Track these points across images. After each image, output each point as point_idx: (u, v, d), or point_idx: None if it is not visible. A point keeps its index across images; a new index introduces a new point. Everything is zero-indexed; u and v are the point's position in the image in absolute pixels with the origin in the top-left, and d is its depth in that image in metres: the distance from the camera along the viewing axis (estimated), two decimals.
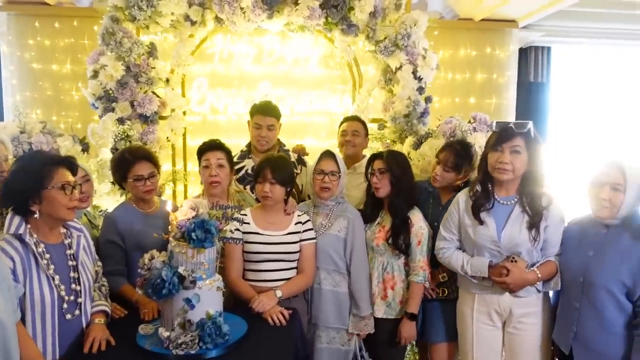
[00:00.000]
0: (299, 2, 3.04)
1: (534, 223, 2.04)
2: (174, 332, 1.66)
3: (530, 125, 2.02)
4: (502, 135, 2.05)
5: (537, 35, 4.88)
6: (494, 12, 4.27)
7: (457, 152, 2.41)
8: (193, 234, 1.67)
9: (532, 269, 2.05)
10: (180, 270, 1.68)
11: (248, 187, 2.73)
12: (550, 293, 2.18)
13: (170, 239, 1.74)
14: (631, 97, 5.80)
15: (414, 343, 2.85)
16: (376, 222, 2.46)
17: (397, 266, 2.40)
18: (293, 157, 2.85)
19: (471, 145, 2.53)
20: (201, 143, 2.47)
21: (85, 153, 2.88)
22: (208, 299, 1.72)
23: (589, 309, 1.91)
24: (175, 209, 1.79)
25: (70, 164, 1.80)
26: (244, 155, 2.88)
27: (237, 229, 2.17)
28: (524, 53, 5.18)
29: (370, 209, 2.50)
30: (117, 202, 2.97)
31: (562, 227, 2.11)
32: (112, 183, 2.95)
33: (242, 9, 3.05)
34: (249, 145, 2.92)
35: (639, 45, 5.26)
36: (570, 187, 2.26)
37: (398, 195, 2.38)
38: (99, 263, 2.04)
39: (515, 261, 2.05)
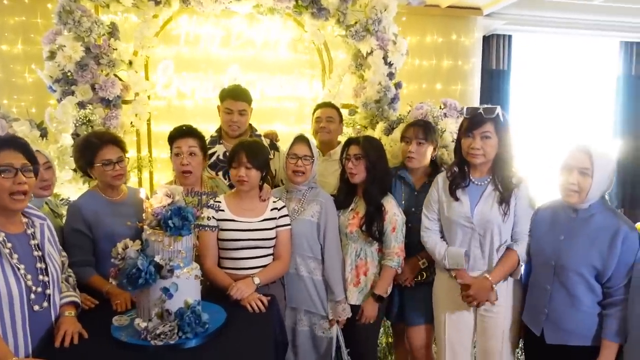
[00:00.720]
0: None
1: (504, 198, 2.12)
2: (152, 322, 1.61)
3: (498, 110, 2.10)
4: (472, 122, 2.12)
5: (499, 24, 5.00)
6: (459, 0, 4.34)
7: (422, 125, 2.50)
8: (170, 222, 1.62)
9: (484, 275, 2.15)
10: (157, 259, 1.63)
11: (220, 173, 2.67)
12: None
13: (145, 227, 1.68)
14: (587, 84, 6.08)
15: (391, 325, 2.90)
16: (350, 209, 2.45)
17: (370, 252, 2.42)
18: (265, 142, 2.81)
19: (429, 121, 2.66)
20: (172, 129, 2.37)
21: (44, 139, 2.72)
22: (186, 287, 1.68)
23: (560, 291, 1.99)
24: (148, 196, 1.72)
25: (17, 145, 1.64)
26: (215, 140, 2.81)
27: (213, 217, 2.13)
28: (487, 41, 5.31)
29: (343, 195, 2.49)
30: (80, 190, 2.84)
31: (531, 205, 2.19)
32: (74, 170, 2.82)
33: None
34: (219, 131, 2.85)
35: (596, 35, 5.50)
36: (531, 171, 2.34)
37: (373, 182, 2.37)
38: (64, 253, 1.94)
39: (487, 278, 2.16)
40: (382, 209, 2.35)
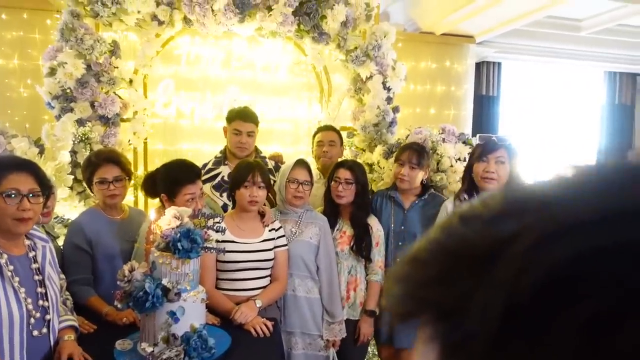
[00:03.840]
0: (272, 7, 3.02)
1: None
2: (158, 347, 1.58)
3: (510, 139, 2.17)
4: (487, 147, 2.20)
5: (490, 51, 5.14)
6: (454, 28, 4.46)
7: (416, 150, 2.57)
8: (179, 244, 1.60)
9: None
10: (164, 282, 1.61)
11: (225, 194, 2.66)
12: None
13: (153, 249, 1.66)
14: (573, 111, 6.26)
15: (377, 351, 2.89)
16: (336, 228, 2.51)
17: (360, 268, 2.50)
18: (270, 164, 2.81)
19: (425, 145, 2.74)
20: (177, 169, 2.17)
21: (42, 156, 2.68)
22: (193, 311, 1.65)
23: None
24: (157, 217, 1.70)
25: (28, 168, 1.62)
26: (219, 161, 2.80)
27: (217, 239, 2.11)
28: (477, 68, 5.45)
29: (329, 215, 2.52)
30: (75, 209, 2.81)
31: None
32: (70, 188, 2.79)
33: (213, 11, 2.97)
34: (224, 151, 2.84)
35: (582, 64, 5.70)
36: None
37: (360, 206, 2.47)
38: (62, 276, 1.91)
39: None
40: (369, 228, 2.46)
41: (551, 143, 6.10)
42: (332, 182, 2.47)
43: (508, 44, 5.07)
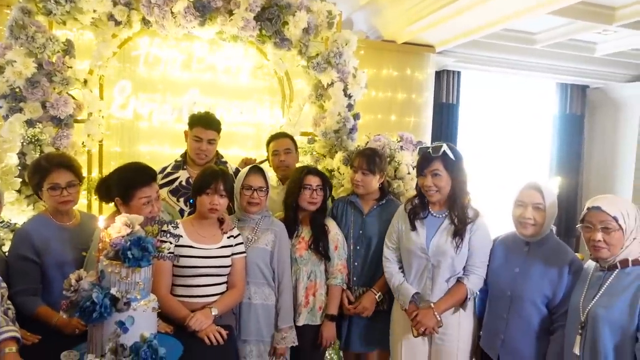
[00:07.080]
0: (233, 12, 3.00)
1: (458, 231, 2.23)
2: (105, 358, 1.54)
3: (444, 147, 2.22)
4: (422, 162, 2.27)
5: (450, 61, 5.29)
6: (415, 37, 4.56)
7: (368, 156, 2.58)
8: (129, 253, 1.56)
9: (435, 313, 2.19)
10: (113, 291, 1.56)
11: (182, 199, 2.61)
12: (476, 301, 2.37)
13: (102, 257, 1.61)
14: (527, 120, 6.51)
15: (342, 354, 2.92)
16: (295, 235, 2.52)
17: (320, 272, 2.52)
18: (231, 169, 2.77)
19: (378, 150, 2.73)
20: (130, 172, 2.11)
21: None
22: (143, 320, 1.61)
23: (515, 318, 2.12)
24: (107, 225, 1.66)
25: None
26: (179, 165, 2.74)
27: (171, 243, 2.07)
28: (438, 76, 5.59)
29: (291, 223, 2.54)
30: (23, 213, 2.69)
31: (487, 238, 2.30)
32: (18, 191, 2.67)
33: (172, 13, 2.92)
34: (184, 156, 2.79)
35: (535, 75, 5.96)
36: (483, 203, 2.48)
37: (322, 208, 2.54)
38: (4, 284, 1.82)
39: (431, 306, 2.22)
40: (326, 229, 2.51)
41: (506, 150, 6.32)
42: (303, 190, 2.47)
43: (467, 54, 5.23)
